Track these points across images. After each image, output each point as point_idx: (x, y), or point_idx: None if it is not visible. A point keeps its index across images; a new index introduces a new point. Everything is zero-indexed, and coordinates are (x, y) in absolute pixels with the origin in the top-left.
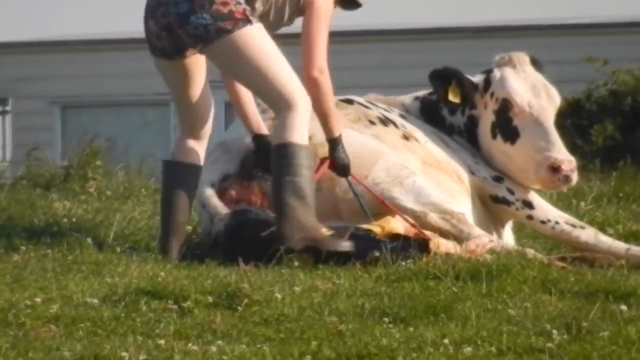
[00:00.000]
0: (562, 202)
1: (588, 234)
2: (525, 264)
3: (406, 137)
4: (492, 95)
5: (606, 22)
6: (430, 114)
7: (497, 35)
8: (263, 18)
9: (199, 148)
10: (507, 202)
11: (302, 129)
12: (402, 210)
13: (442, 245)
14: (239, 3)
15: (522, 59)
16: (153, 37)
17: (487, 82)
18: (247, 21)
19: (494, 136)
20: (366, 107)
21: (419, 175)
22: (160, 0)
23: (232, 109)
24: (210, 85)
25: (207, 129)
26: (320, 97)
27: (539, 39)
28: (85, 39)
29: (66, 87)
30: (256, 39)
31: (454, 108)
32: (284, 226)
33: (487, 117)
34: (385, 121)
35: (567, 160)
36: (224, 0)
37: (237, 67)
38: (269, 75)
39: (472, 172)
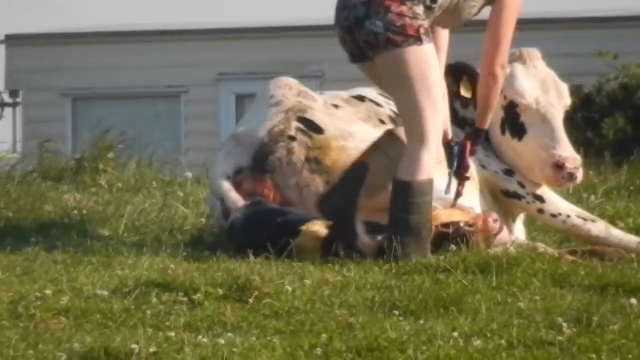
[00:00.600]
0: (573, 195)
1: (599, 228)
2: (536, 257)
3: None
4: (501, 92)
5: (617, 16)
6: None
7: None
8: (447, 12)
9: None
10: (519, 197)
11: (430, 165)
12: None
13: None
14: (416, 18)
15: (533, 54)
16: (341, 41)
17: None
18: (418, 40)
19: (503, 132)
20: (378, 104)
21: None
22: (344, 4)
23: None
24: (220, 77)
25: None
26: (493, 92)
27: (550, 33)
28: (96, 32)
29: (78, 79)
30: (420, 61)
31: (466, 102)
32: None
33: (496, 113)
34: (396, 120)
35: (571, 158)
36: (401, 11)
37: (392, 82)
38: (418, 104)
39: (483, 166)
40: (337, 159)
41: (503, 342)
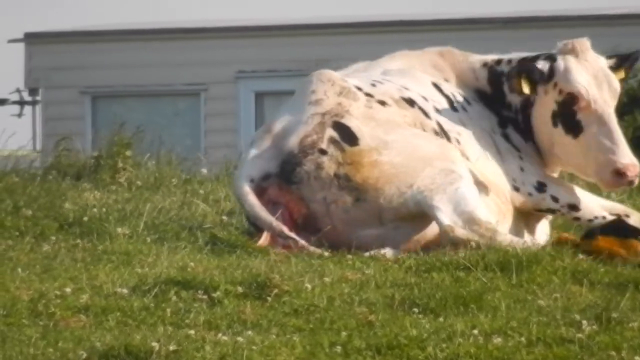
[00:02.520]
0: (592, 192)
1: (635, 220)
2: (556, 255)
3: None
4: (555, 85)
5: (635, 13)
6: (495, 87)
7: (527, 26)
8: None
9: None
10: (553, 211)
11: None
12: (437, 222)
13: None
14: None
15: (584, 45)
16: None
17: (552, 71)
18: None
19: (555, 125)
20: (426, 114)
21: (465, 180)
22: None
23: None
24: (239, 75)
25: None
26: None
27: (568, 30)
28: (115, 29)
29: (97, 77)
30: None
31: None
32: None
33: (546, 104)
34: (440, 134)
35: (632, 164)
36: None
37: None
38: None
39: (516, 188)
40: (368, 176)
41: (523, 339)
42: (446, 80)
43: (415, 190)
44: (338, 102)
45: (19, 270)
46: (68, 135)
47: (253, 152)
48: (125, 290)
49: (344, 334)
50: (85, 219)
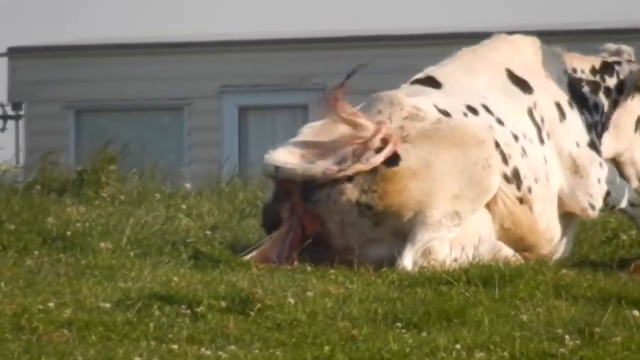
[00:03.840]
0: None
1: None
2: (538, 269)
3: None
4: None
5: (614, 28)
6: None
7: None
8: None
9: None
10: None
11: None
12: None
13: None
14: None
15: (630, 51)
16: None
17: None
18: None
19: (636, 130)
20: (501, 122)
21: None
22: None
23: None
24: (223, 89)
25: None
26: None
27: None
28: (99, 44)
29: (80, 91)
30: None
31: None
32: None
33: (630, 110)
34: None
35: None
36: None
37: None
38: None
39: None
40: (392, 204)
41: (505, 354)
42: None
43: (422, 218)
44: (401, 125)
45: (2, 284)
46: (52, 149)
47: (301, 137)
48: (108, 305)
49: (326, 348)
50: (69, 233)
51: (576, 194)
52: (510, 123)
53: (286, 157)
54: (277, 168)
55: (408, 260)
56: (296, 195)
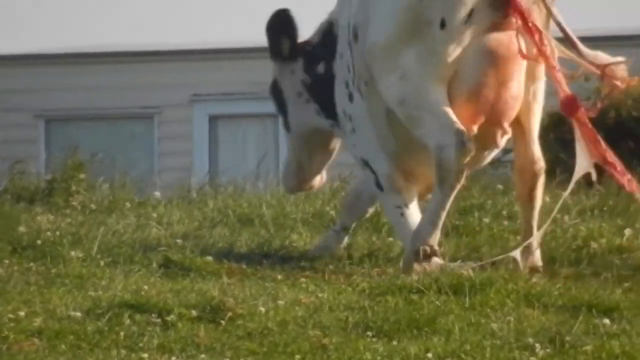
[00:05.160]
0: (546, 215)
1: None
2: (509, 278)
3: None
4: None
5: (587, 37)
6: None
7: None
8: None
9: None
10: None
11: None
12: None
13: None
14: None
15: None
16: None
17: None
18: None
19: None
20: None
21: None
22: None
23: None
24: (193, 98)
25: None
26: None
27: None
28: (69, 52)
29: (51, 100)
30: None
31: None
32: None
33: None
34: None
35: None
36: None
37: None
38: None
39: None
40: None
41: None
42: None
43: None
44: None
45: None
46: (21, 158)
47: None
48: (78, 314)
49: (297, 357)
50: (39, 242)
51: None
52: None
53: None
54: None
55: None
56: None
